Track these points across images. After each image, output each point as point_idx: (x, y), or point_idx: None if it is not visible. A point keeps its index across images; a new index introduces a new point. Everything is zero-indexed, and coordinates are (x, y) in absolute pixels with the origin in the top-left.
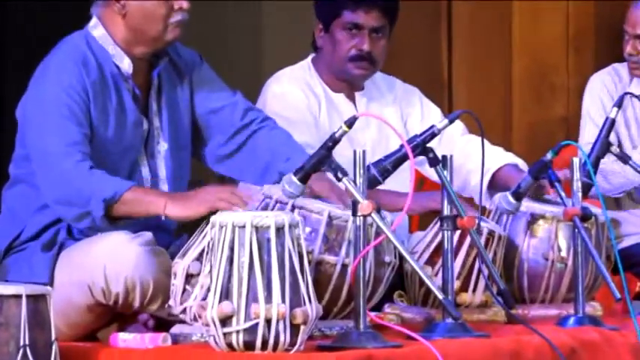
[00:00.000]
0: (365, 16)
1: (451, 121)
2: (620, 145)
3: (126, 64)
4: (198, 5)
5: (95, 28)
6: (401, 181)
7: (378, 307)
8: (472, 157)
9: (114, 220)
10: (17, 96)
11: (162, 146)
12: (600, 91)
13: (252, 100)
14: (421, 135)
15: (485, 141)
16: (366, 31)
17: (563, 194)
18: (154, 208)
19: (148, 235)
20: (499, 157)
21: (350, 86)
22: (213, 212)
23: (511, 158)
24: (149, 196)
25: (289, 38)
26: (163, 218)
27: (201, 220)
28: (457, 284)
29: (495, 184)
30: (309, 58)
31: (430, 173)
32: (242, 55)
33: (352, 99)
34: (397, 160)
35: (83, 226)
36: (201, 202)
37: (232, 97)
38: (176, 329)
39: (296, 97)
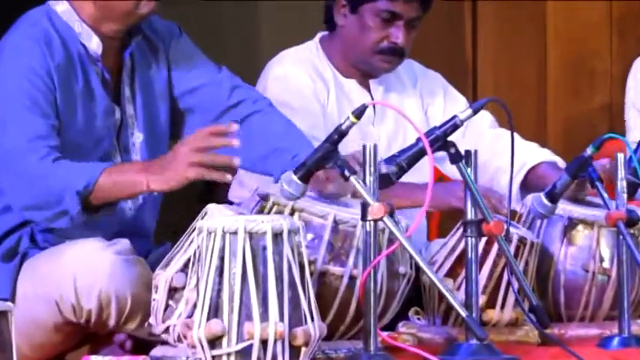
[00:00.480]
0: (404, 6)
1: (476, 111)
2: None
3: (94, 44)
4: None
5: (58, 3)
6: (415, 180)
7: (391, 326)
8: (501, 154)
9: (94, 211)
10: None
11: (137, 137)
12: None
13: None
14: (441, 127)
15: (517, 135)
16: (402, 22)
17: (605, 195)
18: (136, 187)
19: (125, 242)
20: (533, 154)
21: (364, 73)
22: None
23: (547, 155)
24: (127, 175)
25: (288, 31)
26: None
27: (186, 225)
28: (483, 299)
29: (528, 184)
30: (317, 37)
31: (451, 172)
32: (239, 50)
33: (366, 87)
34: (413, 156)
35: (62, 226)
36: (178, 170)
37: (216, 73)
38: (157, 351)
39: (301, 81)
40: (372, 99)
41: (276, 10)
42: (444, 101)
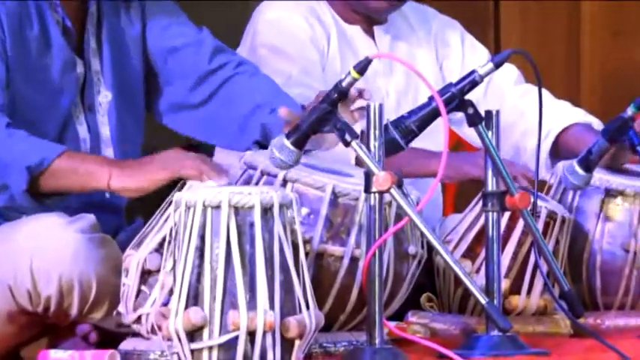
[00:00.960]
0: None
1: (498, 65)
2: None
3: None
4: None
5: None
6: (430, 145)
7: (399, 316)
8: (528, 114)
9: (39, 197)
10: None
11: (105, 96)
12: None
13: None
14: (458, 83)
15: (546, 92)
16: None
17: None
18: (95, 180)
19: (90, 217)
20: (565, 115)
21: (369, 18)
22: (176, 183)
23: (581, 116)
24: (88, 164)
25: None
26: (108, 195)
27: (162, 198)
28: (506, 284)
29: (559, 150)
30: None
31: (471, 135)
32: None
33: (371, 35)
34: (426, 117)
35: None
36: (160, 169)
37: (197, 34)
38: (127, 345)
39: (297, 24)
40: (378, 49)
41: None
42: (462, 52)
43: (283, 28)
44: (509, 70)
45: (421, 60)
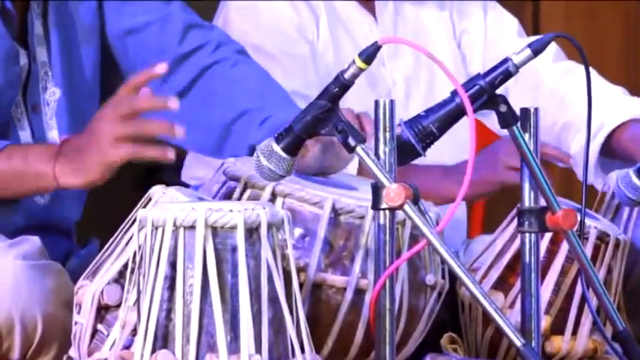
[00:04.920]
0: None
1: (536, 52)
2: None
3: None
4: None
5: None
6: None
7: (416, 358)
8: (572, 103)
9: None
10: None
11: (53, 93)
12: None
13: None
14: (487, 75)
15: (596, 74)
16: None
17: None
18: (41, 182)
19: (34, 240)
20: (620, 106)
21: None
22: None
23: (638, 108)
24: (30, 163)
25: None
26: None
27: (124, 215)
28: (547, 322)
29: (613, 152)
30: None
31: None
32: None
33: (371, 10)
34: (448, 116)
35: None
36: (103, 153)
37: (163, 8)
38: None
39: (278, 10)
40: (378, 26)
41: None
42: (485, 25)
43: (260, 18)
44: (549, 50)
45: (435, 38)
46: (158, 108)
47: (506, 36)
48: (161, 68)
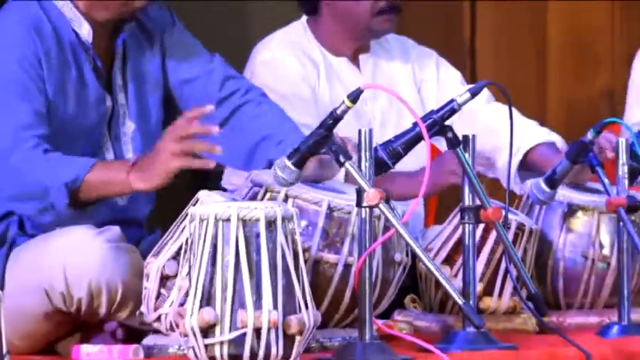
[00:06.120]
0: None
1: (474, 95)
2: None
3: (85, 31)
4: None
5: None
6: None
7: (386, 314)
8: (499, 131)
9: (80, 207)
10: None
11: (129, 127)
12: None
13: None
14: (438, 111)
15: (516, 112)
16: None
17: (606, 181)
18: (121, 187)
19: (115, 229)
20: (532, 134)
21: (356, 48)
22: (191, 198)
23: (547, 135)
24: (113, 174)
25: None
26: (124, 203)
27: (179, 211)
28: (480, 287)
29: (527, 167)
30: (303, 18)
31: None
32: (228, 21)
33: (356, 63)
34: (410, 140)
35: (48, 220)
36: (163, 163)
37: (209, 63)
38: (149, 340)
39: (289, 65)
40: (362, 74)
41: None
42: (438, 76)
43: (277, 70)
44: (482, 94)
45: (402, 85)
46: (205, 133)
47: (453, 84)
48: (209, 109)
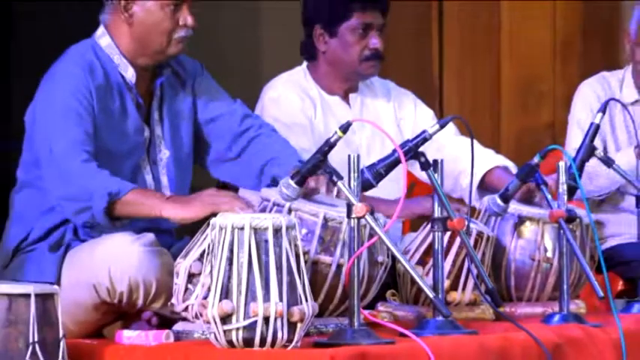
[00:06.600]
0: (372, 16)
1: (442, 127)
2: (605, 149)
3: (130, 74)
4: (197, 16)
5: (102, 37)
6: (395, 180)
7: (371, 306)
8: (463, 159)
9: (113, 220)
10: (24, 104)
11: (165, 154)
12: (591, 98)
13: (250, 105)
14: (413, 140)
15: (477, 143)
16: (374, 30)
17: (549, 197)
18: (153, 210)
19: (150, 236)
20: (489, 160)
21: (346, 88)
22: (213, 215)
23: (501, 161)
24: (149, 199)
25: (287, 49)
26: (162, 221)
27: (202, 223)
28: (447, 283)
29: (485, 186)
30: (304, 64)
31: (422, 175)
32: (241, 64)
33: (347, 101)
34: (390, 164)
35: (82, 221)
36: (203, 204)
37: (231, 104)
38: (178, 326)
39: (291, 100)
40: (351, 110)
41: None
42: (415, 114)
43: (282, 105)
44: (449, 127)
45: (384, 119)
46: (231, 210)
47: (426, 119)
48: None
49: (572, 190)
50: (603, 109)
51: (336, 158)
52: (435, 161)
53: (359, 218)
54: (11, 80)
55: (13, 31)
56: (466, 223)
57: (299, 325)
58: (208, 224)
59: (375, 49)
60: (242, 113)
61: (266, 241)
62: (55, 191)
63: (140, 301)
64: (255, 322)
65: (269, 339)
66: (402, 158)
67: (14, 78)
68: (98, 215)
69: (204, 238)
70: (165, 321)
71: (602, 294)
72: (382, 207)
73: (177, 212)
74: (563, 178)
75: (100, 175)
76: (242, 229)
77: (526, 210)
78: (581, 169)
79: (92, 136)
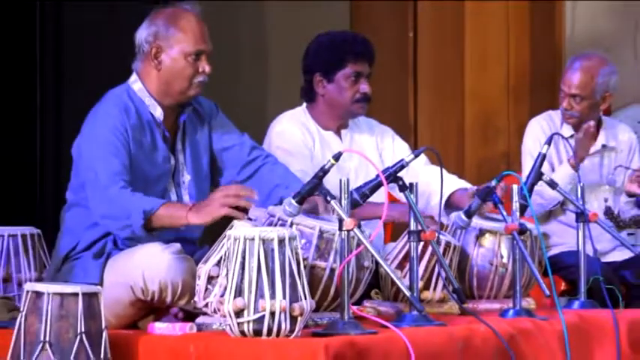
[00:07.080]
0: (362, 66)
1: (416, 156)
2: (553, 170)
3: (158, 112)
4: (214, 63)
5: (135, 83)
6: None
7: (358, 302)
8: (432, 183)
9: (149, 230)
10: (72, 137)
11: (186, 177)
12: (539, 133)
13: (258, 137)
14: (393, 167)
15: (444, 170)
16: (364, 78)
17: (504, 213)
18: (181, 220)
19: (177, 245)
20: (454, 183)
21: (339, 125)
22: (230, 218)
23: (464, 184)
24: (178, 211)
25: (293, 86)
26: (185, 230)
27: (219, 234)
28: (421, 284)
29: (451, 205)
30: (304, 105)
31: (400, 195)
32: (251, 100)
33: (339, 136)
34: (374, 186)
35: (124, 235)
36: (217, 205)
37: (241, 137)
38: (200, 320)
39: (294, 133)
40: (342, 143)
41: (284, 63)
42: (393, 146)
43: (286, 137)
44: (421, 158)
45: (369, 150)
46: (248, 196)
47: (402, 150)
48: (255, 195)
49: (523, 208)
50: (549, 142)
51: (331, 182)
52: (411, 184)
53: (348, 230)
54: (61, 118)
55: (62, 70)
56: (437, 234)
57: (299, 318)
58: (224, 236)
59: (365, 94)
60: (250, 145)
61: (272, 250)
62: (98, 211)
63: (169, 299)
64: (263, 316)
65: (274, 330)
66: (384, 182)
67: (63, 116)
68: (137, 230)
69: (222, 247)
70: (190, 315)
71: (548, 293)
72: (371, 209)
73: (197, 219)
74: (516, 197)
75: (135, 197)
76: (252, 239)
77: (486, 224)
78: (530, 190)
79: (128, 167)
